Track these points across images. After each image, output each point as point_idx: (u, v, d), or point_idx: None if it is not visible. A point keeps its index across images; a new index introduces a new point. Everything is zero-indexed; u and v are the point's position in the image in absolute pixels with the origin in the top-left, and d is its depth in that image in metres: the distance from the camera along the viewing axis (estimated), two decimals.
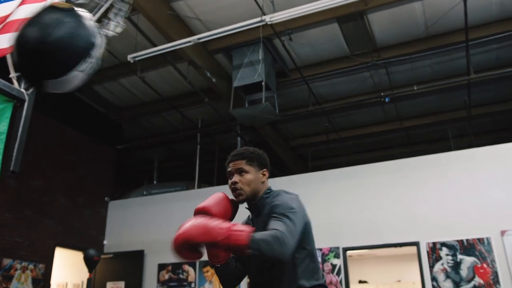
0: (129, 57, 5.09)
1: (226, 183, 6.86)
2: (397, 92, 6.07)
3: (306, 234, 1.56)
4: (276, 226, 1.42)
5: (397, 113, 7.07)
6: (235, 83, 5.46)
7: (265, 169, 1.73)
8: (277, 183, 6.05)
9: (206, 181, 7.79)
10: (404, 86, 6.22)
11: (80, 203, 6.57)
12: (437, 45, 5.48)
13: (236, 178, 1.68)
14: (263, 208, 1.64)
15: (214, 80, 5.83)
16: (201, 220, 1.40)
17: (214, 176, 7.77)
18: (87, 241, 6.48)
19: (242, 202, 1.67)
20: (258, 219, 1.65)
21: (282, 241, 1.35)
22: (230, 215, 1.63)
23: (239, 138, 7.15)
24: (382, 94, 5.87)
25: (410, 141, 8.01)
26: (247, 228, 1.36)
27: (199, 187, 7.01)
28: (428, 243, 4.92)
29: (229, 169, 1.71)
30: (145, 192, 7.42)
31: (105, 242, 6.84)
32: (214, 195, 1.65)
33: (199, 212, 1.57)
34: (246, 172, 1.68)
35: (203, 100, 6.15)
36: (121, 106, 7.26)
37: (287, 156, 8.15)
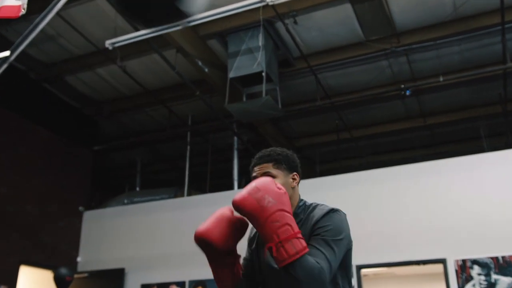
0: (107, 43, 5.06)
1: (220, 189, 6.85)
2: (420, 84, 6.04)
3: (346, 262, 1.61)
4: (319, 258, 1.48)
5: (420, 108, 7.05)
6: (231, 74, 5.45)
7: (295, 173, 1.74)
8: None
9: (197, 187, 7.77)
10: (428, 77, 6.20)
11: (50, 214, 6.54)
12: (467, 28, 5.45)
13: None
14: (298, 225, 1.61)
15: (206, 70, 5.81)
16: (279, 204, 1.48)
17: (206, 181, 7.75)
18: (58, 258, 6.44)
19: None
20: None
21: (320, 279, 1.44)
22: (237, 239, 1.65)
23: (235, 138, 7.13)
24: (403, 86, 5.85)
25: (435, 141, 7.99)
26: (304, 245, 1.46)
27: (189, 194, 7.00)
28: (457, 260, 4.89)
29: (253, 174, 1.73)
30: (126, 201, 7.41)
31: (79, 259, 6.82)
32: (217, 213, 1.66)
33: (199, 239, 1.61)
34: (274, 177, 1.68)
35: (194, 93, 6.13)
36: (98, 100, 7.24)
37: None
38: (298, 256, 1.42)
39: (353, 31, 5.67)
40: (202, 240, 1.60)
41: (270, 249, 1.44)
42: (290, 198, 1.67)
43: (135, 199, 7.41)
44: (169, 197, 7.16)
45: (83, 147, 7.28)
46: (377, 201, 5.48)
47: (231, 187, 6.79)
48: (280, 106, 5.68)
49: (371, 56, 5.97)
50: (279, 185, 1.53)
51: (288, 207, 1.50)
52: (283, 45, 5.82)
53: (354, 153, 8.09)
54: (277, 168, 1.70)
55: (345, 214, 1.65)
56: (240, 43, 5.51)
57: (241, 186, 7.31)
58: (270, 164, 1.71)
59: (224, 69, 5.88)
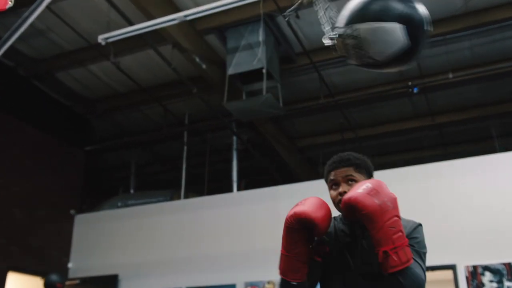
0: (100, 38, 5.05)
1: (218, 192, 6.83)
2: (428, 81, 6.03)
3: None
4: (419, 269, 1.58)
5: (428, 106, 7.04)
6: (230, 70, 5.44)
7: (372, 178, 1.78)
8: (281, 193, 6.03)
9: (194, 189, 7.76)
10: (437, 74, 6.19)
11: (39, 217, 6.52)
12: (478, 22, 5.44)
13: (344, 187, 1.72)
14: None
15: (204, 66, 5.80)
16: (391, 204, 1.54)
17: (204, 183, 7.74)
18: (48, 264, 6.43)
19: (349, 216, 1.69)
20: (366, 241, 1.67)
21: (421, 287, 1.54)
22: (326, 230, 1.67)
23: (234, 137, 7.12)
24: (410, 83, 5.84)
25: (444, 141, 7.98)
26: (411, 253, 1.54)
27: (186, 197, 6.99)
28: (467, 266, 4.87)
29: (332, 178, 1.77)
30: (119, 204, 7.40)
31: (70, 265, 6.81)
32: (312, 199, 1.69)
33: (298, 219, 1.60)
34: (356, 181, 1.72)
35: (191, 91, 6.12)
36: (90, 98, 7.23)
37: (293, 160, 8.12)
38: (409, 264, 1.50)
39: None
40: (304, 221, 1.59)
41: (384, 253, 1.49)
42: None
43: (130, 202, 7.40)
44: (165, 200, 7.15)
45: (75, 147, 7.27)
46: None
47: (230, 190, 6.78)
48: (281, 104, 5.67)
49: None
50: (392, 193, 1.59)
51: (399, 212, 1.56)
52: (285, 41, 5.81)
53: (360, 153, 8.07)
54: (359, 172, 1.75)
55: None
56: (240, 38, 5.51)
57: (240, 188, 7.31)
58: (351, 168, 1.75)
59: (222, 65, 5.87)
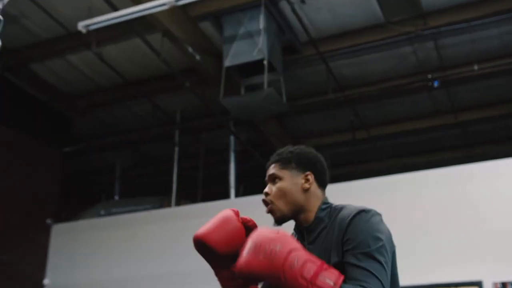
0: (80, 25, 5.06)
1: (214, 198, 6.83)
2: (450, 74, 6.03)
3: (392, 270, 1.58)
4: (363, 278, 1.45)
5: (450, 102, 7.05)
6: (227, 62, 5.45)
7: (308, 172, 1.73)
8: None
9: (187, 196, 7.76)
10: (460, 65, 6.19)
11: (11, 227, 6.51)
12: (507, 7, 5.43)
13: (267, 188, 1.73)
14: (323, 232, 1.64)
15: (198, 57, 5.80)
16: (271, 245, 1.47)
17: (198, 188, 7.74)
18: (20, 280, 6.42)
19: (278, 222, 1.69)
20: (313, 245, 1.65)
21: None
22: (239, 244, 1.63)
23: (232, 137, 7.12)
24: (430, 76, 5.84)
25: (468, 141, 7.98)
26: (336, 273, 1.45)
27: (177, 204, 7.00)
28: (496, 283, 4.86)
29: (266, 178, 1.77)
30: (103, 212, 7.41)
31: (46, 281, 6.79)
32: (220, 215, 1.71)
33: (198, 243, 1.66)
34: (279, 178, 1.71)
35: (183, 85, 6.13)
36: (69, 93, 7.24)
37: None
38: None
39: (371, 12, 5.66)
40: (200, 244, 1.65)
41: None
42: (304, 203, 1.69)
43: (114, 210, 7.41)
44: (154, 208, 7.16)
45: (52, 148, 7.27)
46: (399, 212, 5.45)
47: (227, 196, 6.78)
48: (284, 100, 5.67)
49: (392, 41, 5.96)
50: (274, 229, 1.53)
51: (295, 243, 1.48)
52: (288, 28, 5.82)
53: (372, 155, 8.08)
54: (284, 168, 1.72)
55: (377, 213, 1.62)
56: (238, 26, 5.51)
57: (238, 194, 7.31)
58: (277, 164, 1.73)
59: (218, 56, 5.87)
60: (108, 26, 5.12)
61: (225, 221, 1.69)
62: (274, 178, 1.72)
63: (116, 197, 8.26)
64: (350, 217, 1.58)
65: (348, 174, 7.66)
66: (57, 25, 5.57)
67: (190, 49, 5.73)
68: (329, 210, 1.69)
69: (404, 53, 6.22)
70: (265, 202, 1.72)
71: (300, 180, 1.71)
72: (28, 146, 6.93)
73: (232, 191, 6.85)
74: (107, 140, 7.68)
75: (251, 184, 8.27)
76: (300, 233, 1.72)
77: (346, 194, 5.78)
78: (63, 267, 6.80)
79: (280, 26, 5.70)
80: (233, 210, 1.73)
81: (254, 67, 5.45)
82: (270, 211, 1.70)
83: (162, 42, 5.74)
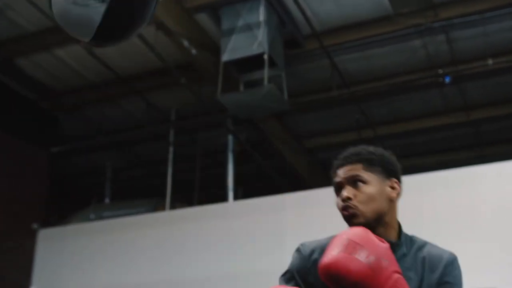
0: None
1: (211, 201, 6.81)
2: (462, 69, 6.02)
3: None
4: None
5: (462, 99, 7.05)
6: (225, 56, 5.46)
7: (395, 179, 1.66)
8: (287, 202, 6.02)
9: (182, 198, 7.76)
10: (472, 60, 6.20)
11: None
12: None
13: (348, 191, 1.58)
14: (404, 258, 1.57)
15: (194, 51, 5.79)
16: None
17: (194, 191, 7.74)
18: None
19: None
20: None
21: None
22: None
23: (230, 137, 7.11)
24: (441, 71, 5.84)
25: (481, 140, 7.99)
26: None
27: (172, 207, 6.99)
28: None
29: (337, 180, 1.64)
30: (92, 216, 7.42)
31: None
32: (339, 237, 1.49)
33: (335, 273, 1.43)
34: (364, 182, 1.60)
35: (179, 81, 6.12)
36: (57, 90, 7.23)
37: (301, 163, 8.14)
38: None
39: (378, 3, 5.66)
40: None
41: None
42: (385, 213, 1.60)
43: (104, 214, 7.40)
44: (148, 211, 7.15)
45: (39, 148, 7.26)
46: (408, 216, 5.43)
47: (224, 199, 6.78)
48: (286, 97, 5.67)
49: (400, 34, 5.96)
50: (378, 238, 1.46)
51: (398, 265, 1.43)
52: (290, 21, 5.82)
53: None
54: (369, 170, 1.61)
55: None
56: (236, 18, 5.52)
57: (237, 197, 7.30)
58: (359, 166, 1.61)
59: (216, 50, 5.87)
60: None
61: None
62: (356, 181, 1.60)
63: (107, 200, 8.25)
64: (449, 259, 1.61)
65: None
66: (44, 17, 5.57)
67: (185, 43, 5.72)
68: (405, 236, 1.65)
69: (413, 47, 6.22)
70: (346, 207, 1.58)
71: (386, 187, 1.63)
72: (13, 146, 6.92)
73: (230, 194, 6.84)
74: (97, 139, 7.67)
75: (250, 186, 8.27)
76: None
77: None
78: (50, 274, 6.80)
79: (281, 18, 5.70)
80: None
81: (254, 62, 5.46)
82: (352, 215, 1.57)
83: (155, 35, 5.73)
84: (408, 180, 6.02)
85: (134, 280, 6.33)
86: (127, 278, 6.38)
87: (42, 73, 6.91)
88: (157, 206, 7.30)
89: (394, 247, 1.55)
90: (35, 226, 6.99)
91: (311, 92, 6.77)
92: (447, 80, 5.91)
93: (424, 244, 1.63)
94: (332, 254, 1.40)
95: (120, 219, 6.93)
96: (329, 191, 5.63)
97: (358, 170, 1.61)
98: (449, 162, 7.67)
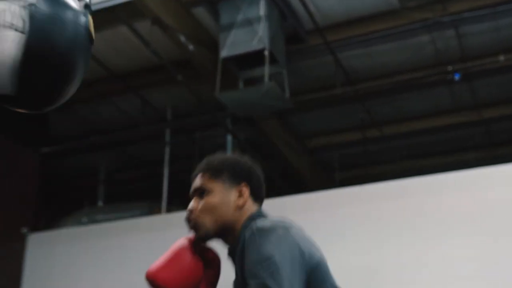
0: None
1: None
2: (473, 66, 6.02)
3: (318, 282, 1.50)
4: None
5: (472, 97, 7.05)
6: (224, 52, 5.46)
7: (243, 183, 1.67)
8: (288, 205, 6.00)
9: (179, 201, 7.76)
10: (483, 56, 6.20)
11: None
12: None
13: (192, 203, 1.67)
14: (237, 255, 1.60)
15: (191, 47, 5.79)
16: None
17: None
18: None
19: (202, 240, 1.65)
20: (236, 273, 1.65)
21: None
22: (195, 282, 1.64)
23: (229, 136, 7.11)
24: (450, 68, 5.83)
25: (492, 140, 8.00)
26: None
27: (168, 210, 7.01)
28: None
29: (190, 191, 1.72)
30: (85, 219, 7.43)
31: None
32: (173, 247, 1.70)
33: (150, 283, 1.66)
34: (208, 192, 1.64)
35: (175, 78, 6.11)
36: None
37: (303, 164, 8.14)
38: None
39: None
40: (153, 284, 1.64)
41: None
42: (235, 221, 1.62)
43: (98, 217, 7.42)
44: (143, 214, 7.18)
45: (28, 148, 7.27)
46: (415, 219, 5.44)
47: None
48: (287, 95, 5.66)
49: (407, 29, 5.96)
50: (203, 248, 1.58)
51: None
52: (292, 15, 5.81)
53: (385, 156, 8.09)
54: (215, 179, 1.65)
55: (280, 224, 1.52)
56: (236, 12, 5.52)
57: None
58: (207, 175, 1.67)
59: (214, 46, 5.87)
60: (91, 12, 5.11)
61: (178, 255, 1.67)
62: (201, 191, 1.65)
63: (100, 203, 8.26)
64: (250, 235, 1.51)
65: (358, 177, 7.66)
66: None
67: (182, 39, 5.72)
68: (245, 232, 1.59)
69: (421, 43, 6.22)
70: (188, 220, 1.67)
71: (232, 194, 1.65)
72: (0, 147, 6.92)
73: None
74: (90, 139, 7.68)
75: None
76: (230, 256, 1.68)
77: (356, 200, 5.78)
78: (41, 281, 6.79)
79: (282, 13, 5.69)
80: (188, 239, 1.67)
81: (254, 59, 5.45)
82: (192, 228, 1.65)
83: (151, 30, 5.73)
84: (415, 183, 6.04)
85: (128, 286, 6.33)
86: (121, 284, 6.37)
87: None
88: (153, 209, 7.31)
89: (233, 250, 1.63)
90: (24, 230, 6.99)
91: (314, 90, 6.77)
92: (457, 77, 5.91)
93: (251, 233, 1.53)
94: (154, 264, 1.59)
95: (114, 223, 6.94)
96: (332, 193, 5.65)
97: (204, 180, 1.66)
98: (459, 163, 7.67)
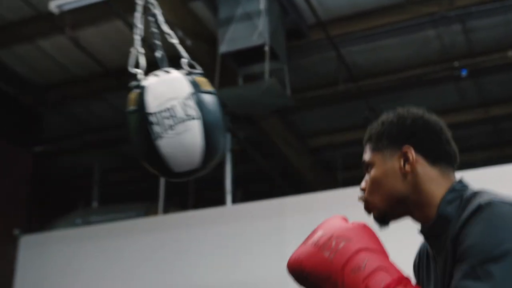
0: (53, 5, 5.05)
1: (208, 205, 6.82)
2: (480, 61, 6.03)
3: None
4: None
5: (480, 94, 7.06)
6: (223, 48, 5.46)
7: (405, 145, 1.40)
8: (288, 206, 6.02)
9: (177, 202, 7.77)
10: (491, 52, 6.20)
11: None
12: None
13: (363, 181, 1.49)
14: (445, 236, 1.32)
15: (188, 42, 5.80)
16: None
17: (188, 194, 7.75)
18: None
19: (380, 222, 1.45)
20: (440, 258, 1.36)
21: None
22: None
23: (228, 135, 7.11)
24: (457, 64, 5.83)
25: (500, 139, 8.02)
26: None
27: (165, 212, 7.01)
28: None
29: None
30: (79, 221, 7.43)
31: None
32: (331, 219, 1.44)
33: (294, 271, 1.37)
34: (371, 165, 1.46)
35: None
36: (40, 85, 7.24)
37: (304, 163, 8.15)
38: None
39: None
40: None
41: None
42: (410, 193, 1.39)
43: (92, 219, 7.42)
44: (139, 216, 7.18)
45: (20, 148, 7.28)
46: None
47: (222, 202, 6.78)
48: (288, 92, 5.67)
49: (413, 24, 5.97)
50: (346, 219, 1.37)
51: (374, 241, 1.29)
52: (293, 9, 5.82)
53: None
54: (376, 148, 1.45)
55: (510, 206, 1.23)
56: (235, 6, 5.52)
57: (236, 200, 7.31)
58: (369, 146, 1.48)
59: (212, 41, 5.89)
60: (85, 6, 5.12)
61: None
62: (367, 166, 1.49)
63: (95, 204, 8.25)
64: (469, 214, 1.25)
65: (360, 177, 7.67)
66: (25, 5, 5.57)
67: (179, 33, 5.72)
68: (460, 202, 1.35)
69: (426, 38, 6.23)
70: (362, 201, 1.50)
71: (396, 162, 1.42)
72: None
73: (229, 197, 6.84)
74: (84, 138, 7.68)
75: (250, 188, 8.28)
76: (425, 238, 1.45)
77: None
78: (33, 284, 6.81)
79: (283, 6, 5.69)
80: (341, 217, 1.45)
81: (254, 54, 5.45)
82: (366, 209, 1.47)
83: (146, 24, 5.74)
84: None
85: None
86: (117, 286, 6.38)
87: (23, 65, 6.91)
88: (149, 210, 7.31)
89: (433, 231, 1.39)
90: (16, 232, 7.00)
91: (316, 87, 6.77)
92: (464, 73, 5.91)
93: (472, 197, 1.33)
94: (296, 251, 1.38)
95: (109, 224, 6.95)
96: (334, 193, 5.69)
97: (368, 151, 1.49)
98: (466, 162, 7.66)
